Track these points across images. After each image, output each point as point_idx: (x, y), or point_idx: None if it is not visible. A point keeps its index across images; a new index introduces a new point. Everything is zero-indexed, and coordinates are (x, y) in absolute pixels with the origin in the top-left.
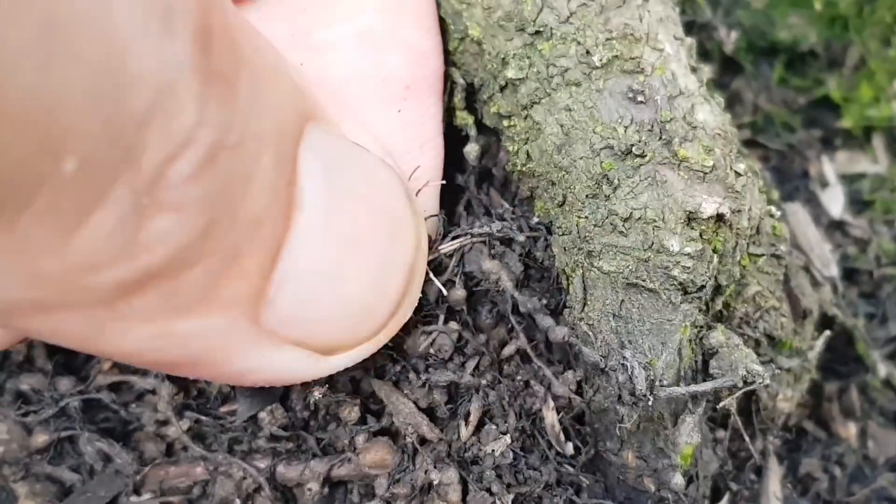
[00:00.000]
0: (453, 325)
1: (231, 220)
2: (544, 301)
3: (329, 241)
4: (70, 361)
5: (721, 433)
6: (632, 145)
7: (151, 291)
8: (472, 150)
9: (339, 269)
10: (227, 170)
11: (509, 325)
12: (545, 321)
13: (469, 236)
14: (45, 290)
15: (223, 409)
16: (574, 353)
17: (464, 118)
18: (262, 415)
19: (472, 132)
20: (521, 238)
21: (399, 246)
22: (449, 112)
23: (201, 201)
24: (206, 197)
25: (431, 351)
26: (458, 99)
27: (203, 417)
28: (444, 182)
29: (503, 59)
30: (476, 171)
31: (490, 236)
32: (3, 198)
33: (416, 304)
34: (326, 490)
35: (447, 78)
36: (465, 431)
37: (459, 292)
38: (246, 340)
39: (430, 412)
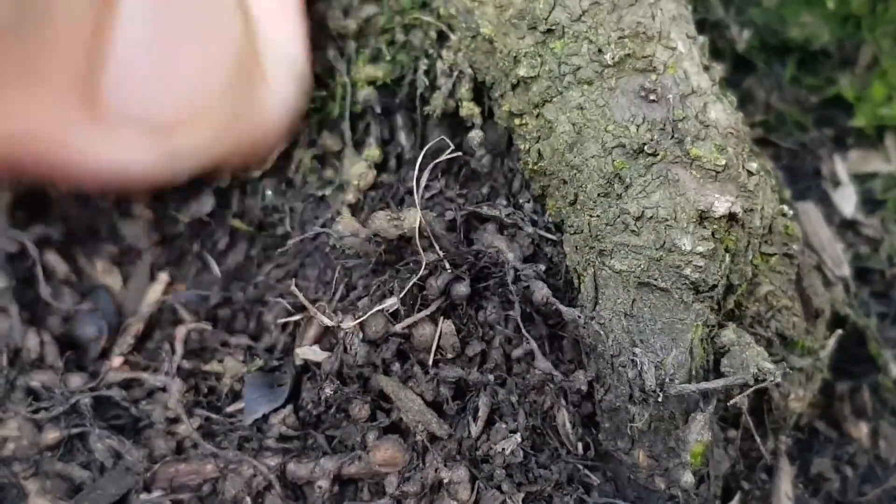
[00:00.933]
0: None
1: None
2: (542, 266)
3: (154, 23)
4: (81, 359)
5: (732, 433)
6: (644, 144)
7: None
8: (475, 136)
9: (166, 48)
10: None
11: (516, 324)
12: (536, 285)
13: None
14: None
15: (231, 407)
16: (586, 352)
17: (470, 108)
18: (272, 416)
19: (478, 121)
20: (530, 230)
21: (218, 33)
22: (455, 103)
23: None
24: None
25: (440, 345)
26: (465, 90)
27: (213, 415)
28: None
29: (515, 57)
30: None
31: (498, 219)
32: None
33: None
34: (336, 488)
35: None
36: (474, 428)
37: (463, 289)
38: (80, 118)
39: (438, 408)
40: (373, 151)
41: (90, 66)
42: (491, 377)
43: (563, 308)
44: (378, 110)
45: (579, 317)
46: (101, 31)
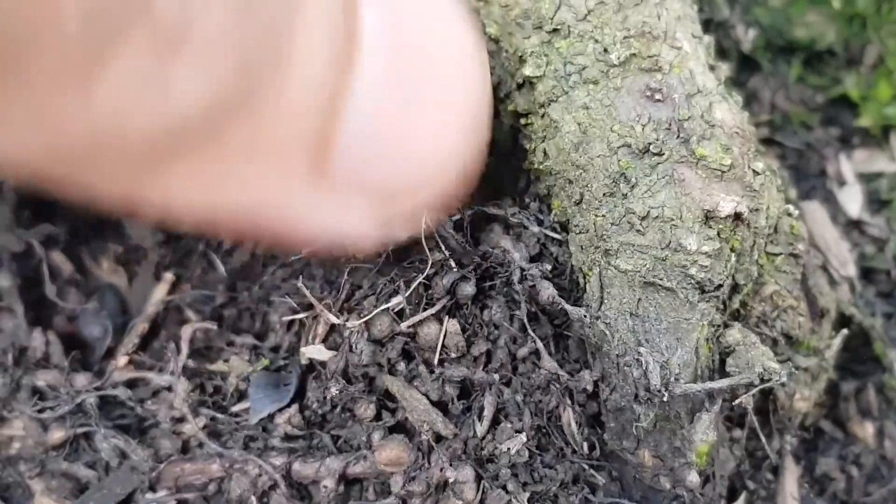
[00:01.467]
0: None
1: (274, 60)
2: (548, 266)
3: (397, 88)
4: (86, 358)
5: (738, 432)
6: (649, 143)
7: (192, 136)
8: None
9: (406, 114)
10: (262, 9)
11: (522, 323)
12: (542, 284)
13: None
14: (75, 140)
15: (236, 407)
16: (591, 352)
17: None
18: (277, 416)
19: (506, 120)
20: (535, 229)
21: (461, 96)
22: None
23: (234, 42)
24: (240, 38)
25: (445, 344)
26: None
27: (219, 415)
28: None
29: (521, 57)
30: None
31: (504, 219)
32: (7, 56)
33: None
34: (342, 488)
35: None
36: (479, 428)
37: (469, 288)
38: (307, 187)
39: (443, 407)
40: None
41: (323, 133)
42: (496, 377)
43: (568, 307)
44: None
45: (585, 316)
46: (337, 97)
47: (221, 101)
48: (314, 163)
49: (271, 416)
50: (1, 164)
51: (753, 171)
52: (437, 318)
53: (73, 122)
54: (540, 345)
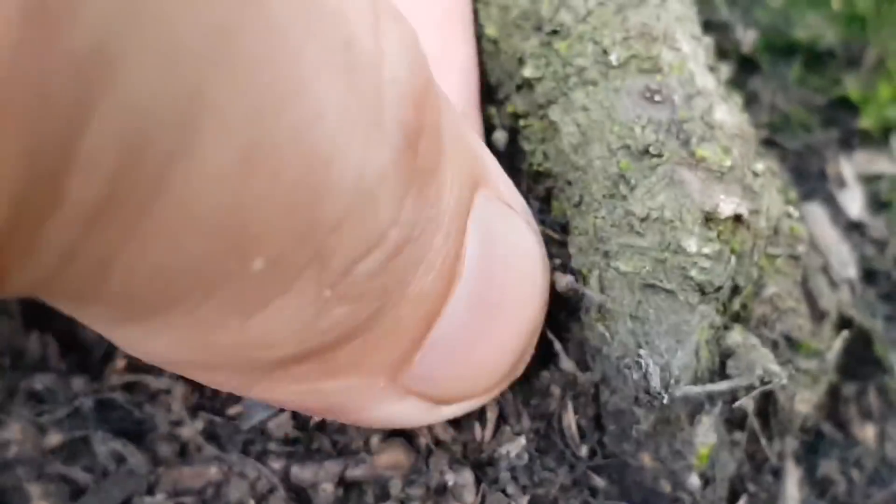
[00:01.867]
0: None
1: (399, 301)
2: (558, 261)
3: (478, 309)
4: (84, 361)
5: (738, 435)
6: (649, 145)
7: (310, 361)
8: (500, 136)
9: (481, 335)
10: (407, 260)
11: None
12: (556, 275)
13: None
14: (214, 358)
15: (233, 410)
16: (591, 354)
17: (488, 111)
18: (272, 422)
19: (498, 121)
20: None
21: (530, 309)
22: None
23: (379, 290)
24: (385, 286)
25: None
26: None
27: (217, 418)
28: None
29: (519, 58)
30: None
31: None
32: (188, 289)
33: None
34: (341, 491)
35: None
36: (479, 433)
37: None
38: (381, 395)
39: None
40: None
41: (409, 351)
42: None
43: (588, 292)
44: None
45: (606, 299)
46: (434, 313)
47: (355, 327)
48: (392, 376)
49: (263, 423)
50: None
51: (753, 172)
52: None
53: (220, 346)
54: (559, 346)
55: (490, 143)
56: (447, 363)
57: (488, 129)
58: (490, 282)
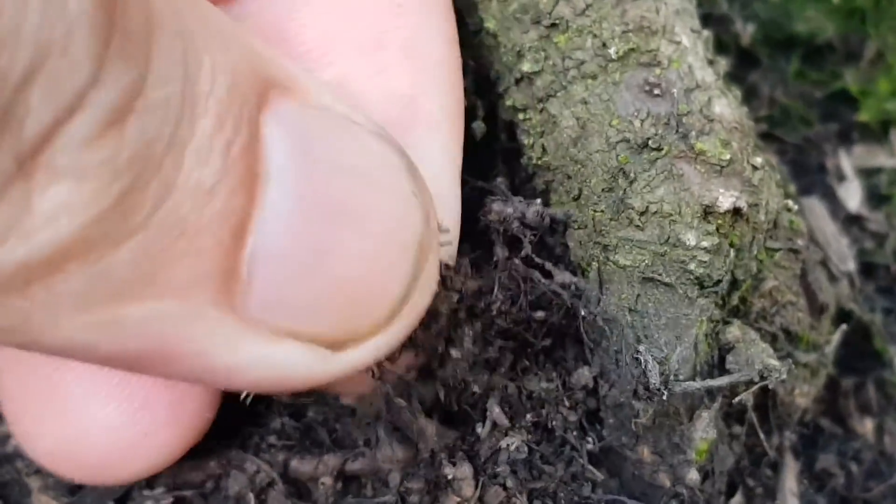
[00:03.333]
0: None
1: (161, 191)
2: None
3: (309, 217)
4: None
5: (737, 429)
6: (648, 139)
7: (74, 273)
8: (477, 127)
9: (325, 246)
10: (141, 134)
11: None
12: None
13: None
14: None
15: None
16: (589, 347)
17: (471, 101)
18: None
19: (480, 112)
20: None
21: (401, 223)
22: None
23: (107, 168)
24: (113, 163)
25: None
26: (468, 83)
27: None
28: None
29: (518, 52)
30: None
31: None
32: None
33: (435, 290)
34: (340, 485)
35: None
36: (480, 429)
37: (472, 283)
38: (224, 330)
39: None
40: None
41: (226, 265)
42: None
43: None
44: None
45: (574, 280)
46: (237, 215)
47: (98, 221)
48: (220, 297)
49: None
50: None
51: (752, 166)
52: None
53: None
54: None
55: (468, 133)
56: (293, 282)
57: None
58: (321, 188)
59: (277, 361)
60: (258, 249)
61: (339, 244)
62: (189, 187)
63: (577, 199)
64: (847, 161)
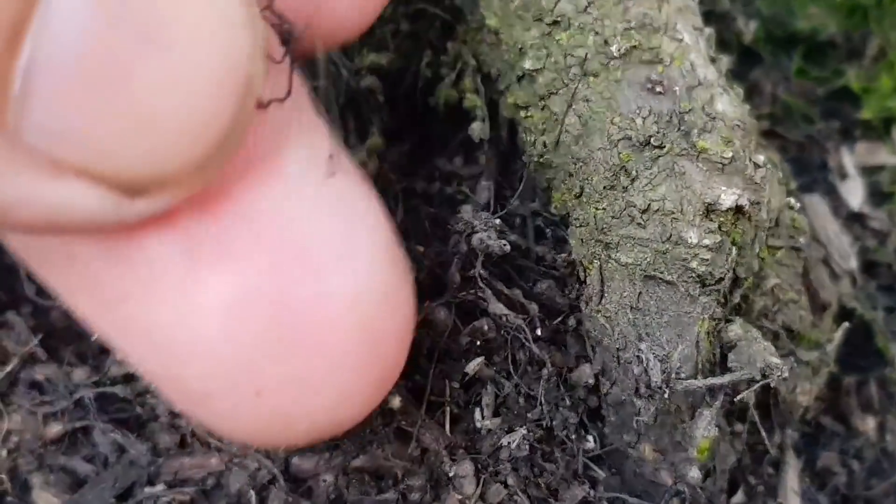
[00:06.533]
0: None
1: None
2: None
3: (107, 21)
4: (85, 352)
5: (739, 426)
6: (650, 136)
7: None
8: (477, 127)
9: (124, 62)
10: None
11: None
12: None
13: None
14: None
15: None
16: (591, 345)
17: (472, 100)
18: None
19: (480, 112)
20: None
21: (227, 53)
22: (459, 94)
23: None
24: None
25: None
26: (469, 81)
27: None
28: None
29: (520, 49)
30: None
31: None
32: None
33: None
34: (341, 482)
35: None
36: (479, 422)
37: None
38: None
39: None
40: (375, 140)
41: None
42: (496, 371)
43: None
44: (382, 99)
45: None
46: (15, 30)
47: None
48: None
49: None
50: None
51: (755, 163)
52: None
53: None
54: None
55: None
56: (79, 103)
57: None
58: (114, 7)
59: (54, 202)
60: (38, 57)
61: (143, 63)
62: None
63: (578, 196)
64: (849, 158)
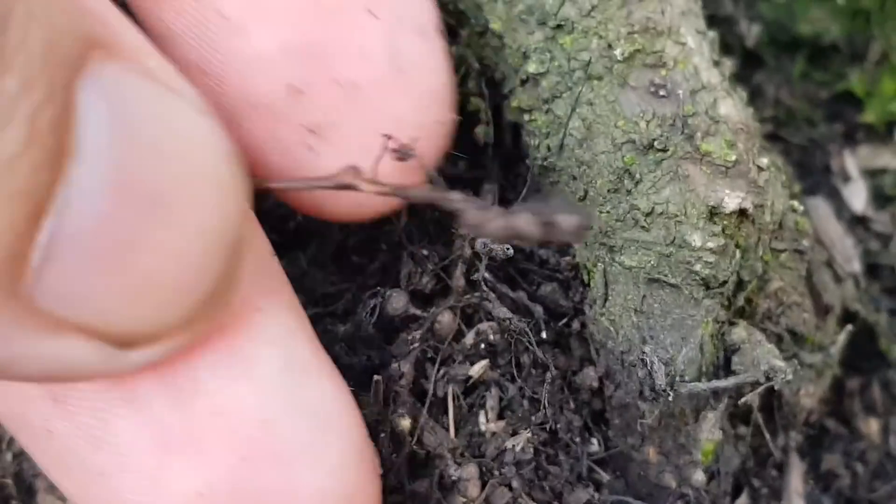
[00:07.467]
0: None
1: None
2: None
3: (116, 200)
4: None
5: (743, 429)
6: (654, 139)
7: None
8: (481, 130)
9: (131, 236)
10: None
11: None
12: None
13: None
14: None
15: None
16: (595, 348)
17: (476, 104)
18: None
19: (484, 116)
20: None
21: (217, 216)
22: (463, 97)
23: None
24: None
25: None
26: (473, 84)
27: None
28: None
29: (524, 53)
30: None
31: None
32: None
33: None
34: None
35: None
36: (483, 425)
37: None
38: (4, 317)
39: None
40: None
41: (19, 246)
42: (500, 374)
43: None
44: None
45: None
46: (36, 191)
47: None
48: (2, 281)
49: None
50: None
51: (758, 166)
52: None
53: None
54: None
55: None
56: (90, 272)
57: (475, 123)
58: (134, 172)
59: (55, 357)
60: (59, 235)
61: (146, 235)
62: None
63: (582, 200)
64: (852, 162)
